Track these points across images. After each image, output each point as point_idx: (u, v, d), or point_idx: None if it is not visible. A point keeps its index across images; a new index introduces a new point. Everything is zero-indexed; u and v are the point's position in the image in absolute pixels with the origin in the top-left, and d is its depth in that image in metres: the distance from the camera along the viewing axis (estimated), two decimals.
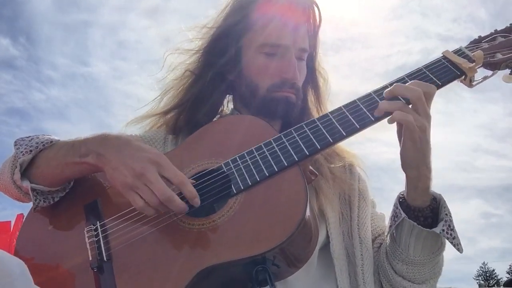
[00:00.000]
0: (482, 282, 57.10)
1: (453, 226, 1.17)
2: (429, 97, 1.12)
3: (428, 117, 1.11)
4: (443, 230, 1.15)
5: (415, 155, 1.12)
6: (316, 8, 1.43)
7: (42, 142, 1.22)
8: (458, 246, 1.16)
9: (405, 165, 1.16)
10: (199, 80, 1.44)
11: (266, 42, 1.34)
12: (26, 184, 1.18)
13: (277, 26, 1.33)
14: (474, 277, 59.95)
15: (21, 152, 1.20)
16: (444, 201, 1.20)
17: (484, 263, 60.49)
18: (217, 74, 1.42)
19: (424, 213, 1.19)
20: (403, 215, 1.19)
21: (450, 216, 1.18)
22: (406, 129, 1.10)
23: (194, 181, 1.12)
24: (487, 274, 58.53)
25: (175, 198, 1.04)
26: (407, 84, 1.15)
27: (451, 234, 1.15)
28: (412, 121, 1.08)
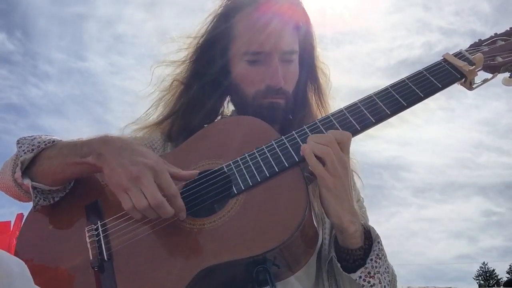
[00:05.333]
0: (482, 282, 57.08)
1: (377, 271, 1.14)
2: (344, 146, 1.12)
3: (344, 164, 1.09)
4: (360, 277, 1.13)
5: (332, 202, 1.10)
6: (301, 5, 1.43)
7: (44, 142, 1.23)
8: None
9: (326, 213, 1.15)
10: (189, 88, 1.45)
11: (248, 50, 1.34)
12: (27, 182, 1.18)
13: (258, 33, 1.33)
14: (474, 277, 59.91)
15: (23, 150, 1.21)
16: (378, 243, 1.17)
17: (484, 263, 60.46)
18: (208, 82, 1.43)
19: (353, 255, 1.16)
20: (332, 254, 1.21)
21: (378, 259, 1.15)
22: (318, 176, 1.09)
23: (197, 172, 1.15)
24: (487, 274, 58.48)
25: (165, 205, 1.04)
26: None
27: (369, 282, 1.13)
28: (323, 170, 1.08)
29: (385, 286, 1.16)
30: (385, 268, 1.17)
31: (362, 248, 1.16)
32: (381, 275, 1.15)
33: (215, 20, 1.43)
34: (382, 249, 1.18)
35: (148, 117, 1.48)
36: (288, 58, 1.37)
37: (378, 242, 1.17)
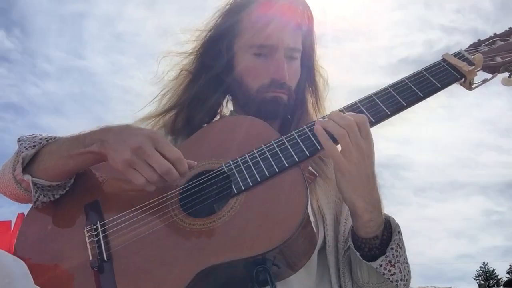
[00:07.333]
0: (482, 282, 57.05)
1: (397, 260, 1.15)
2: (362, 130, 1.10)
3: (361, 150, 1.08)
4: (381, 266, 1.13)
5: (346, 187, 1.10)
6: (308, 8, 1.44)
7: (45, 138, 1.25)
8: (397, 283, 1.15)
9: (342, 197, 1.15)
10: (195, 80, 1.46)
11: (255, 43, 1.36)
12: (27, 178, 1.19)
13: (265, 28, 1.35)
14: (474, 277, 59.87)
15: (24, 147, 1.22)
16: (398, 232, 1.18)
17: (484, 263, 60.41)
18: (213, 76, 1.44)
19: (368, 244, 1.16)
20: (349, 242, 1.20)
21: (398, 249, 1.16)
22: (332, 159, 1.09)
23: (195, 163, 1.16)
24: (487, 274, 58.44)
25: (173, 171, 1.07)
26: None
27: (389, 270, 1.13)
28: (337, 153, 1.08)
29: (405, 275, 1.17)
30: (404, 258, 1.18)
31: (377, 238, 1.16)
32: (401, 265, 1.16)
33: (223, 15, 1.45)
34: (402, 239, 1.18)
35: (155, 107, 1.49)
36: (293, 55, 1.39)
37: (399, 232, 1.18)
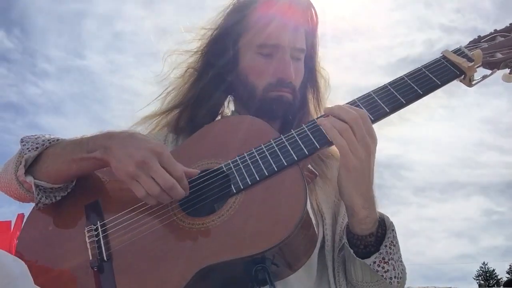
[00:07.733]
0: (482, 282, 57.06)
1: (391, 258, 1.15)
2: (365, 122, 1.10)
3: (366, 146, 1.08)
4: (374, 262, 1.14)
5: (348, 183, 1.11)
6: (313, 9, 1.44)
7: (48, 140, 1.24)
8: (390, 280, 1.15)
9: (339, 192, 1.15)
10: (201, 79, 1.46)
11: (261, 43, 1.36)
12: (30, 180, 1.19)
13: (271, 27, 1.35)
14: (474, 277, 59.90)
15: (27, 148, 1.22)
16: (392, 230, 1.18)
17: (484, 263, 60.46)
18: (217, 75, 1.44)
19: (364, 241, 1.17)
20: (344, 240, 1.21)
21: (392, 246, 1.16)
22: (341, 155, 1.09)
23: (198, 171, 1.14)
24: (487, 274, 58.47)
25: (177, 186, 1.06)
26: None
27: (383, 267, 1.14)
28: (346, 148, 1.07)
29: (399, 273, 1.17)
30: (399, 257, 1.18)
31: (373, 235, 1.16)
32: (395, 262, 1.16)
33: (229, 14, 1.45)
34: (396, 237, 1.19)
35: (159, 104, 1.49)
36: (298, 55, 1.39)
37: (393, 230, 1.18)
